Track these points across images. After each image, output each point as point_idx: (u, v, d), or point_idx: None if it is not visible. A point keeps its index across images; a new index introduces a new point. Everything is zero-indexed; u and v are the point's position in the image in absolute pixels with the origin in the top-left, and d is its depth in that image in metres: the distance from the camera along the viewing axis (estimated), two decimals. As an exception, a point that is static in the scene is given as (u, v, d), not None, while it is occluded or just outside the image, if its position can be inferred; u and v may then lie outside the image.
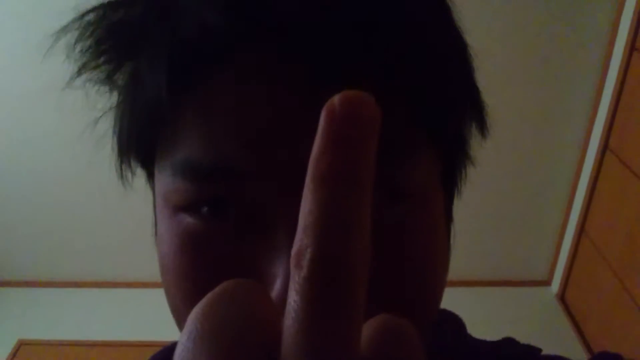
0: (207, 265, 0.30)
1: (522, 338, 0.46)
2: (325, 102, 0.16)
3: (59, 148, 2.06)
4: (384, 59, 0.28)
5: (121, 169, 0.35)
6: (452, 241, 0.37)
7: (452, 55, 0.32)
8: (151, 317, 1.67)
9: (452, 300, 0.47)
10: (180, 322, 0.32)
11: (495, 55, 1.85)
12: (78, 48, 0.31)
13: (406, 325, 0.17)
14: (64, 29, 0.31)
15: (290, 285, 0.15)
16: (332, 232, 0.15)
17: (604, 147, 1.91)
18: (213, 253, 0.29)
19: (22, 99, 1.98)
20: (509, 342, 0.45)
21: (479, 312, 1.90)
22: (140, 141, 0.33)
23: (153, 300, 1.55)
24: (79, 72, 0.32)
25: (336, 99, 0.16)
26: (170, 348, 0.46)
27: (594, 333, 2.02)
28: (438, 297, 0.33)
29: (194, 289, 0.30)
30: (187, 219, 0.30)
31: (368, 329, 0.17)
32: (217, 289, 0.17)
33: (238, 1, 0.27)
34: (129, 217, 1.96)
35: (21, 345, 2.09)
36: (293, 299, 0.15)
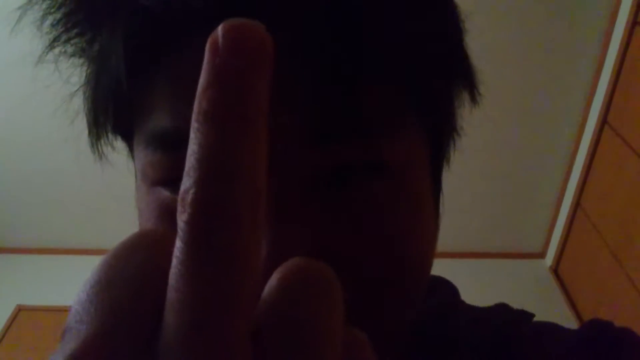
0: None
1: (515, 309, 0.47)
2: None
3: (48, 116, 2.05)
4: (360, 40, 0.26)
5: (97, 144, 0.34)
6: (442, 211, 0.36)
7: (436, 27, 0.30)
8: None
9: (446, 271, 0.48)
10: None
11: (495, 29, 1.83)
12: (48, 22, 0.30)
13: (316, 270, 0.15)
14: (30, 2, 0.30)
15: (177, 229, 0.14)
16: (214, 173, 0.14)
17: (603, 122, 1.91)
18: None
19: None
20: (502, 307, 0.45)
21: (473, 284, 1.91)
22: (115, 115, 0.32)
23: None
24: (51, 46, 0.30)
25: (219, 28, 0.14)
26: None
27: (587, 305, 2.05)
28: (423, 270, 0.32)
29: None
30: (164, 193, 0.29)
31: (272, 278, 0.15)
32: (126, 239, 0.16)
33: None
34: (128, 183, 1.95)
35: (20, 310, 2.11)
36: (177, 244, 0.14)
